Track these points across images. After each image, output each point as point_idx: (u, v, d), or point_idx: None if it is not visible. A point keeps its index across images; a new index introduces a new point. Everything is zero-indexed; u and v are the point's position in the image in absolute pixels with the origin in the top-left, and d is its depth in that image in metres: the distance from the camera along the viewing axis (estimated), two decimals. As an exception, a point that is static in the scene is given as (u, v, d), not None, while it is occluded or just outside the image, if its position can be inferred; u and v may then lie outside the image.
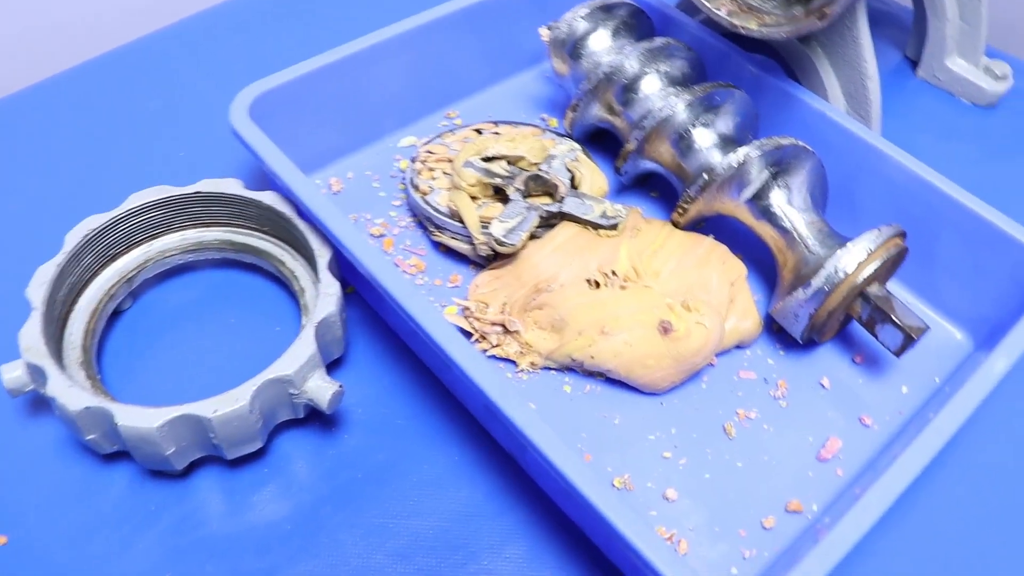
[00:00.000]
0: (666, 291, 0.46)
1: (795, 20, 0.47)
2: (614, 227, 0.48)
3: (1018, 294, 0.47)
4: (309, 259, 0.47)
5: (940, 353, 0.50)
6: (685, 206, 0.49)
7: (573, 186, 0.51)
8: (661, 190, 0.57)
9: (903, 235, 0.46)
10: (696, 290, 0.46)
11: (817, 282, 0.44)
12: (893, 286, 0.52)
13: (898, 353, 0.45)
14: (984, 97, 0.69)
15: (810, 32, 0.46)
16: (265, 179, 0.55)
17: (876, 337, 0.45)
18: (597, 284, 0.46)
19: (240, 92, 0.50)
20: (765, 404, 0.46)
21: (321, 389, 0.42)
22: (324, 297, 0.44)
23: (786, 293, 0.46)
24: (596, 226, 0.48)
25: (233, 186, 0.49)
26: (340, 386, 0.42)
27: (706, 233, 0.51)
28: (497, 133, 0.56)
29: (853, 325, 0.50)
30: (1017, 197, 0.61)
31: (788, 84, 0.53)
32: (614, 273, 0.46)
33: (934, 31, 0.67)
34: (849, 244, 0.44)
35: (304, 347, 0.42)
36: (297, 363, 0.41)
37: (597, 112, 0.54)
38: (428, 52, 0.56)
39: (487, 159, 0.50)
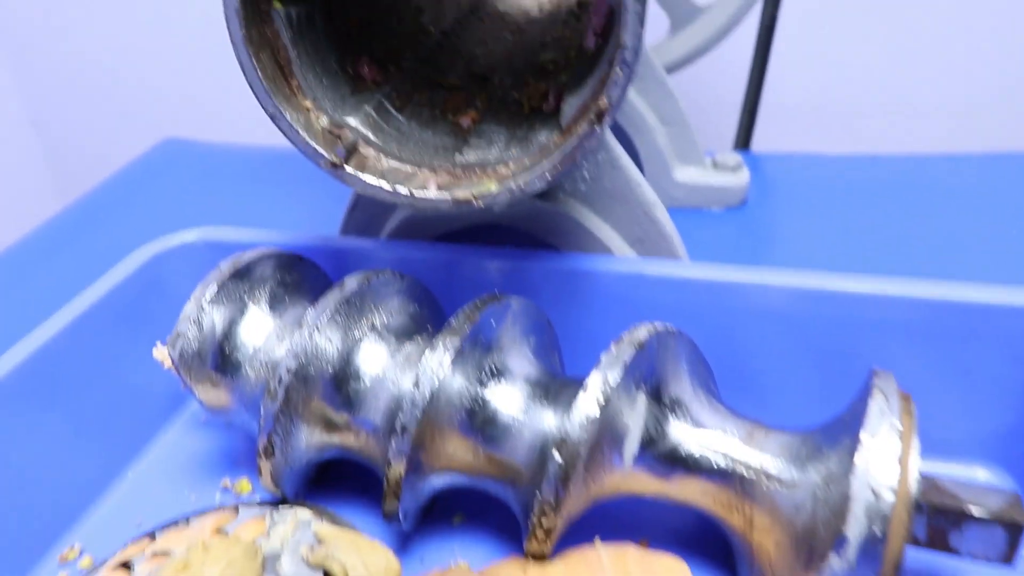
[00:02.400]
0: None
1: (550, 149, 0.28)
2: (453, 630, 0.24)
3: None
4: None
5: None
6: (546, 523, 0.26)
7: (339, 593, 0.26)
8: (467, 509, 0.33)
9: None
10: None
11: (855, 528, 0.23)
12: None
13: (1008, 558, 0.25)
14: (730, 195, 0.56)
15: (583, 152, 0.27)
16: None
17: (956, 552, 0.25)
18: None
19: None
20: None
21: None
22: None
23: (798, 569, 0.24)
24: (422, 650, 0.24)
25: None
26: None
27: (579, 542, 0.29)
28: (161, 554, 0.30)
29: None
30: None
31: (563, 260, 0.34)
32: None
33: (645, 147, 0.53)
34: (862, 436, 0.24)
35: None
36: None
37: (309, 439, 0.31)
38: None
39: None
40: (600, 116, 0.26)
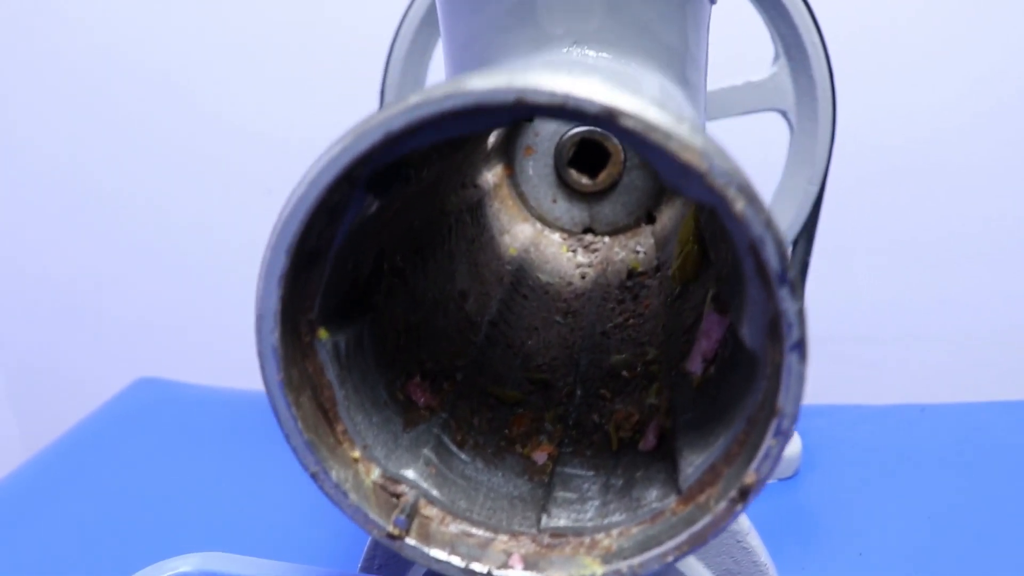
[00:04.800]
0: None
1: (668, 519, 0.22)
2: None
3: None
4: None
5: None
6: None
7: None
8: None
9: None
10: None
11: None
12: None
13: None
14: (783, 466, 0.51)
15: (717, 533, 0.22)
16: None
17: None
18: None
19: None
20: None
21: None
22: None
23: None
24: None
25: None
26: None
27: None
28: None
29: None
30: None
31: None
32: None
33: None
34: None
35: None
36: None
37: None
38: None
39: None
40: (744, 494, 0.21)
